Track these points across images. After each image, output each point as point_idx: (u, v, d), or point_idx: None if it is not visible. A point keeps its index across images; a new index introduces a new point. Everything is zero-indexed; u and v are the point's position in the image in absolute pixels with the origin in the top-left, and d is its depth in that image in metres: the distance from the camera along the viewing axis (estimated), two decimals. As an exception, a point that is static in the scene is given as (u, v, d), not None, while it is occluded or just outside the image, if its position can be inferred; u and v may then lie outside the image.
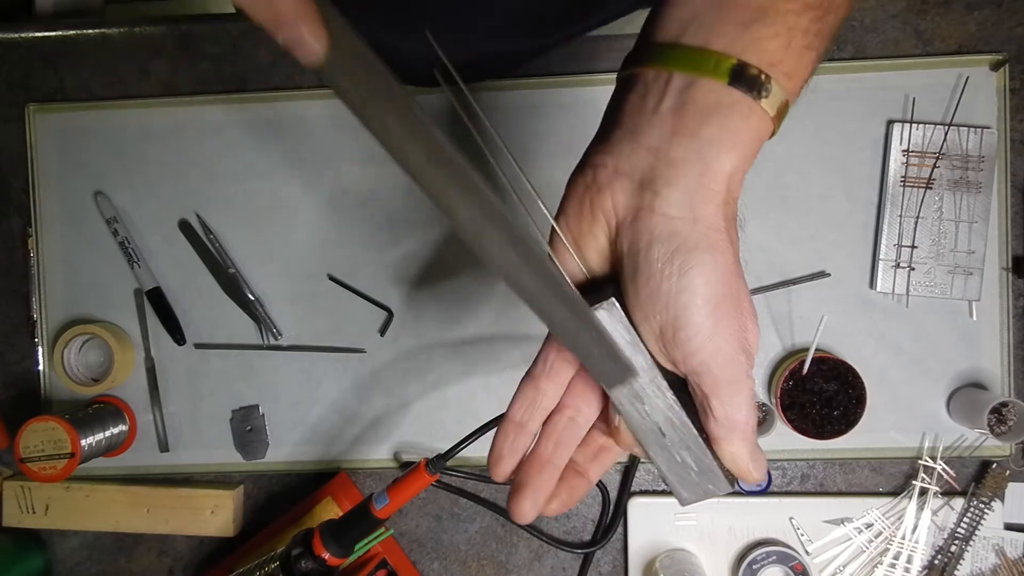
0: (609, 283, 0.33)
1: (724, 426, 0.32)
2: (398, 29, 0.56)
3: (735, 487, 0.35)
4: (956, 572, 0.74)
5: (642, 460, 0.35)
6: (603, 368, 0.32)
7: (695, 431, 0.33)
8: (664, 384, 0.33)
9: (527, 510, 0.35)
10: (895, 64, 0.75)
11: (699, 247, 0.30)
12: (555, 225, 0.33)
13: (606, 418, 0.36)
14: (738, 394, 0.32)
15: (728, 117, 0.30)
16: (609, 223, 0.32)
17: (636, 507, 0.76)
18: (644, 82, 0.31)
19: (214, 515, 0.77)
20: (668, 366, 0.33)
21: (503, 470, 0.36)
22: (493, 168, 0.33)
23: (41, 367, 0.80)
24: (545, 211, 0.33)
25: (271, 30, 0.25)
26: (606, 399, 0.36)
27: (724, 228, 0.31)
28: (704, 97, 0.30)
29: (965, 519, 0.74)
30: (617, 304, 0.32)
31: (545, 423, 0.36)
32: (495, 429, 0.37)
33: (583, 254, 0.33)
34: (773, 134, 0.32)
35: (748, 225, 0.76)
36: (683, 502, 0.35)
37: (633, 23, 0.69)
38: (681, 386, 0.33)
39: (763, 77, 0.30)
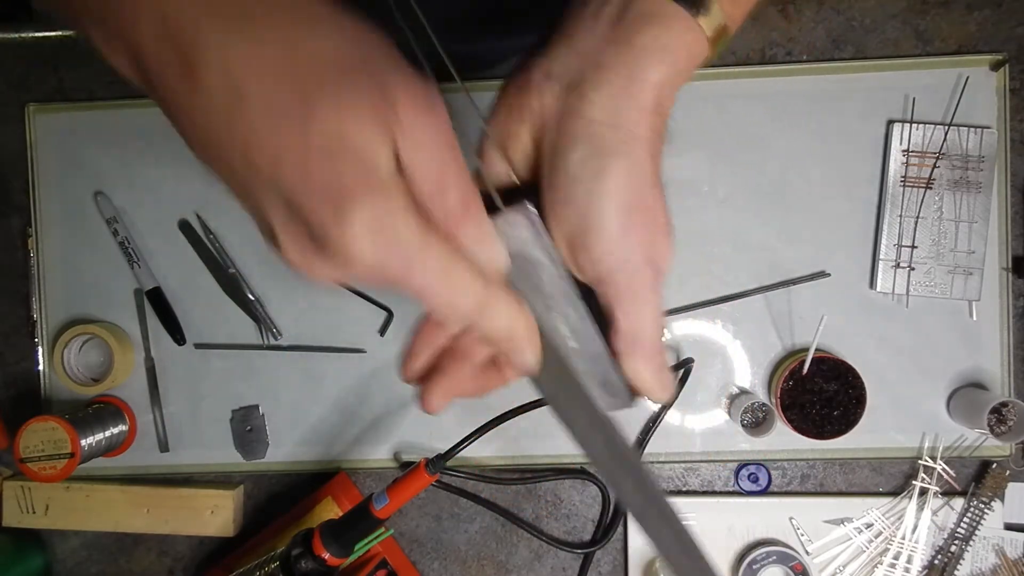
0: (527, 189, 0.33)
1: (627, 340, 0.32)
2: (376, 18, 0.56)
3: (635, 404, 0.34)
4: (956, 572, 0.74)
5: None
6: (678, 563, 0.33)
7: (601, 344, 0.33)
8: (575, 294, 0.32)
9: (437, 398, 0.34)
10: (895, 64, 0.75)
11: (617, 152, 0.30)
12: (484, 126, 0.33)
13: None
14: (642, 307, 0.31)
15: (663, 29, 0.30)
16: (535, 124, 0.32)
17: (636, 507, 0.76)
18: None
19: (214, 515, 0.77)
20: (578, 274, 0.33)
21: (416, 366, 0.35)
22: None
23: (41, 367, 0.80)
24: (477, 111, 0.33)
25: (503, 351, 0.31)
26: None
27: (646, 138, 0.30)
28: (643, 8, 0.30)
29: (965, 519, 0.74)
30: (532, 207, 0.32)
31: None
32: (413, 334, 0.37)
33: (509, 156, 0.33)
34: (709, 60, 0.32)
35: (749, 229, 0.76)
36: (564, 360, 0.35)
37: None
38: (592, 297, 0.33)
39: None
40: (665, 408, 0.76)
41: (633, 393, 0.34)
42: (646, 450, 0.76)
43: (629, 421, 0.77)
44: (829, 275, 0.75)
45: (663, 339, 0.33)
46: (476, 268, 0.28)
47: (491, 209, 0.32)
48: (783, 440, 0.75)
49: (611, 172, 0.30)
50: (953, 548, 0.74)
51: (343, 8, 0.26)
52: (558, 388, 0.33)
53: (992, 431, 0.72)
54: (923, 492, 0.74)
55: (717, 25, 0.31)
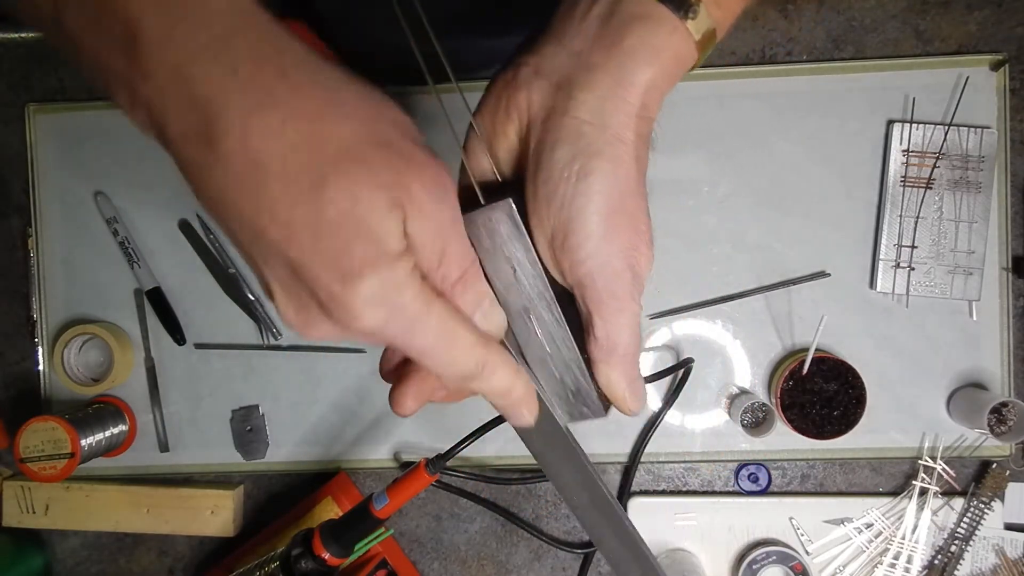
0: (511, 186, 0.33)
1: (603, 348, 0.32)
2: (381, 22, 0.56)
3: (608, 414, 0.35)
4: (956, 572, 0.74)
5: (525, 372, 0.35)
6: None
7: (577, 351, 0.33)
8: (551, 296, 0.32)
9: (409, 401, 0.35)
10: (895, 64, 0.75)
11: (602, 154, 0.30)
12: (472, 120, 0.33)
13: None
14: (621, 314, 0.31)
15: (652, 31, 0.30)
16: (522, 121, 0.32)
17: (636, 507, 0.76)
18: None
19: (214, 515, 0.77)
20: (557, 277, 0.32)
21: (392, 363, 0.36)
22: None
23: (41, 367, 0.80)
24: (466, 107, 0.33)
25: (502, 409, 0.33)
26: None
27: (632, 141, 0.30)
28: (632, 9, 0.30)
29: (965, 519, 0.74)
30: (514, 205, 0.31)
31: None
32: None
33: (494, 152, 0.33)
34: (696, 64, 0.32)
35: (749, 229, 0.76)
36: (558, 420, 0.35)
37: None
38: (571, 303, 0.33)
39: None
40: (665, 408, 0.76)
41: (606, 403, 0.34)
42: (646, 450, 0.76)
43: (630, 422, 0.77)
44: (829, 275, 0.75)
45: (639, 349, 0.33)
46: (476, 330, 0.30)
47: (474, 204, 0.32)
48: (783, 440, 0.75)
49: (596, 173, 0.30)
50: (953, 548, 0.74)
51: (367, 87, 0.27)
52: (548, 445, 0.34)
53: (992, 431, 0.72)
54: (923, 492, 0.74)
55: (705, 29, 0.31)
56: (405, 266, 0.26)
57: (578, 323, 0.33)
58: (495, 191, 0.32)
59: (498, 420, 0.73)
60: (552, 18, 0.32)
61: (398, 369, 0.35)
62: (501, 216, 0.31)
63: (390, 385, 0.36)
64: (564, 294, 0.33)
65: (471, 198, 0.32)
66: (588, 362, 0.33)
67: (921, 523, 0.74)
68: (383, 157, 0.26)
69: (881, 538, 0.75)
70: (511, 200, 0.31)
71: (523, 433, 0.34)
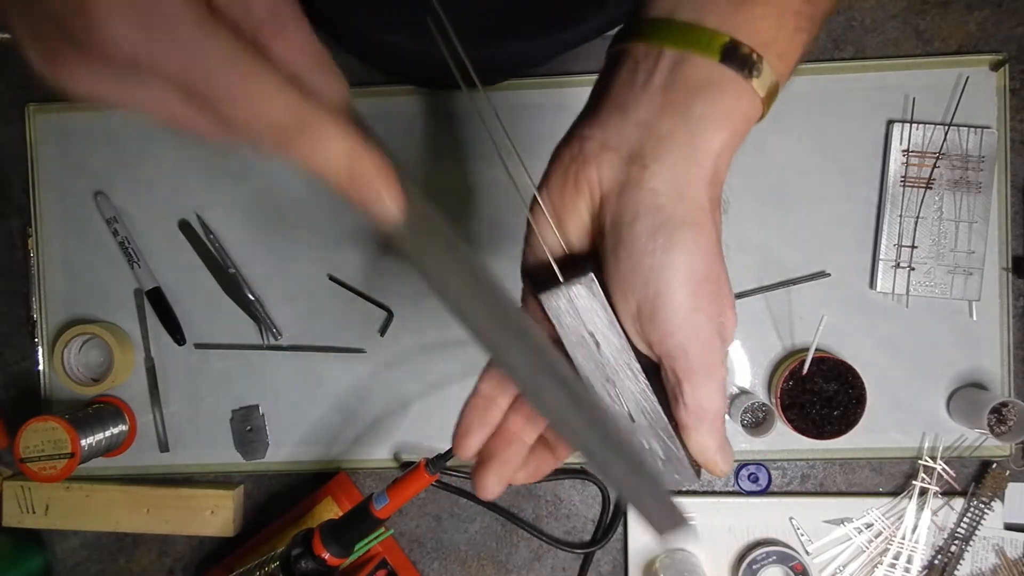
0: (587, 260, 0.33)
1: (694, 414, 0.31)
2: (403, 29, 0.56)
3: (700, 478, 0.34)
4: (956, 572, 0.74)
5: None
6: (659, 519, 0.32)
7: (665, 418, 0.33)
8: (638, 367, 0.32)
9: (492, 484, 0.34)
10: (895, 64, 0.75)
11: (684, 224, 0.30)
12: (537, 195, 0.33)
13: None
14: (711, 381, 0.31)
15: (719, 96, 0.29)
16: (593, 197, 0.32)
17: (636, 507, 0.76)
18: (635, 58, 0.31)
19: (214, 515, 0.77)
20: (643, 348, 0.32)
21: (471, 443, 0.35)
22: (501, 161, 0.32)
23: (41, 367, 0.80)
24: (530, 183, 0.33)
25: (352, 196, 0.26)
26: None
27: (709, 208, 0.30)
28: (695, 74, 0.30)
29: (965, 519, 0.74)
30: (595, 279, 0.31)
31: (514, 399, 0.35)
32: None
33: (563, 228, 0.33)
34: (762, 116, 0.32)
35: (749, 230, 0.76)
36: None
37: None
38: (654, 372, 0.33)
39: (755, 56, 0.30)
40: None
41: (696, 467, 0.34)
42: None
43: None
44: (829, 275, 0.75)
45: (725, 412, 0.33)
46: (290, 81, 0.24)
47: (548, 284, 0.31)
48: (783, 440, 0.75)
49: (680, 244, 0.30)
50: (953, 548, 0.74)
51: None
52: (427, 247, 0.29)
53: (992, 431, 0.72)
54: (923, 492, 0.74)
55: (769, 84, 0.30)
56: None
57: (662, 390, 0.33)
58: (565, 266, 0.32)
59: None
60: (608, 88, 0.32)
61: (479, 454, 0.35)
62: (581, 291, 0.31)
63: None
64: (646, 363, 0.33)
65: (542, 273, 0.32)
66: (675, 427, 0.33)
67: (921, 523, 0.74)
68: None
69: (881, 538, 0.75)
70: (592, 274, 0.31)
71: (394, 238, 0.28)
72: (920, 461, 0.74)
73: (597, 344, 0.32)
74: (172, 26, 0.22)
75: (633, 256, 0.30)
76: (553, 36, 0.64)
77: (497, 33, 0.59)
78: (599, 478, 0.34)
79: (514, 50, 0.68)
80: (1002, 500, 0.74)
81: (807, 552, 0.75)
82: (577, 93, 0.75)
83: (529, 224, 0.33)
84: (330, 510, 0.73)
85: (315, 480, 0.79)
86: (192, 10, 0.22)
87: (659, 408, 0.32)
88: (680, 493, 0.77)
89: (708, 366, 0.31)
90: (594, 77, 0.34)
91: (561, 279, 0.32)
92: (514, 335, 0.30)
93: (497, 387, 0.34)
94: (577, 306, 0.32)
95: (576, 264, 0.32)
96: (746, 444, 0.76)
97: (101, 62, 0.23)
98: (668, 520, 0.32)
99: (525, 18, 0.59)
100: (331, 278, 0.79)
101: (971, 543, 0.74)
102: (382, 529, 0.58)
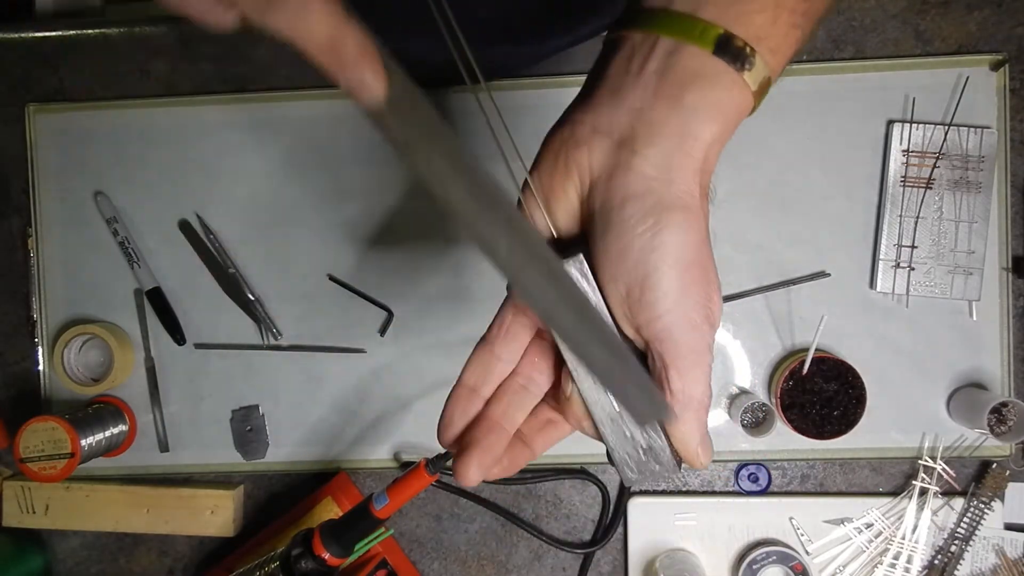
0: (576, 243, 0.33)
1: (679, 401, 0.31)
2: (403, 30, 0.56)
3: (680, 471, 0.34)
4: (956, 572, 0.74)
5: (588, 436, 0.35)
6: (641, 407, 0.31)
7: None
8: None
9: (473, 472, 0.34)
10: (895, 64, 0.75)
11: (674, 207, 0.30)
12: (528, 178, 0.33)
13: (556, 394, 0.36)
14: (697, 367, 0.31)
15: (711, 87, 0.30)
16: (583, 180, 0.32)
17: (636, 507, 0.76)
18: (631, 45, 0.31)
19: (214, 515, 0.77)
20: (630, 334, 0.32)
21: (452, 434, 0.36)
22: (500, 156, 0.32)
23: (41, 367, 0.80)
24: (522, 165, 0.33)
25: (334, 71, 0.25)
26: (558, 372, 0.35)
27: (698, 195, 0.30)
28: (688, 64, 0.30)
29: (965, 519, 0.74)
30: (585, 261, 0.31)
31: (497, 388, 0.36)
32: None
33: (552, 211, 0.33)
34: (753, 110, 0.32)
35: (749, 229, 0.76)
36: (627, 481, 0.34)
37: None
38: (640, 361, 0.33)
39: (748, 50, 0.30)
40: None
41: (678, 459, 0.33)
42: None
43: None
44: (829, 275, 0.75)
45: (710, 403, 0.32)
46: None
47: None
48: (783, 440, 0.75)
49: (670, 226, 0.30)
50: (953, 548, 0.74)
51: None
52: (410, 127, 0.28)
53: (992, 431, 0.72)
54: (923, 492, 0.74)
55: (761, 78, 0.30)
56: None
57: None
58: (555, 249, 0.32)
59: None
60: (603, 73, 0.32)
61: (460, 439, 0.35)
62: (572, 272, 0.31)
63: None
64: (632, 351, 0.32)
65: None
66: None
67: (921, 523, 0.74)
68: None
69: (881, 538, 0.75)
70: (582, 255, 0.31)
71: (379, 120, 0.27)
72: (920, 461, 0.74)
73: None
74: None
75: (623, 238, 0.30)
76: (548, 42, 0.64)
77: (491, 39, 0.59)
78: (581, 362, 0.33)
79: (510, 54, 0.68)
80: (1002, 500, 0.74)
81: (807, 552, 0.75)
82: (574, 93, 0.75)
83: (520, 206, 0.33)
84: (330, 510, 0.73)
85: (315, 480, 0.79)
86: None
87: None
88: (680, 493, 0.77)
89: (695, 350, 0.31)
90: None
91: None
92: (497, 215, 0.29)
93: (480, 377, 0.35)
94: None
95: (564, 248, 0.32)
96: (746, 444, 0.76)
97: None
98: (650, 408, 0.31)
99: (520, 24, 0.59)
100: (331, 278, 0.79)
101: (971, 543, 0.74)
102: (382, 529, 0.58)
